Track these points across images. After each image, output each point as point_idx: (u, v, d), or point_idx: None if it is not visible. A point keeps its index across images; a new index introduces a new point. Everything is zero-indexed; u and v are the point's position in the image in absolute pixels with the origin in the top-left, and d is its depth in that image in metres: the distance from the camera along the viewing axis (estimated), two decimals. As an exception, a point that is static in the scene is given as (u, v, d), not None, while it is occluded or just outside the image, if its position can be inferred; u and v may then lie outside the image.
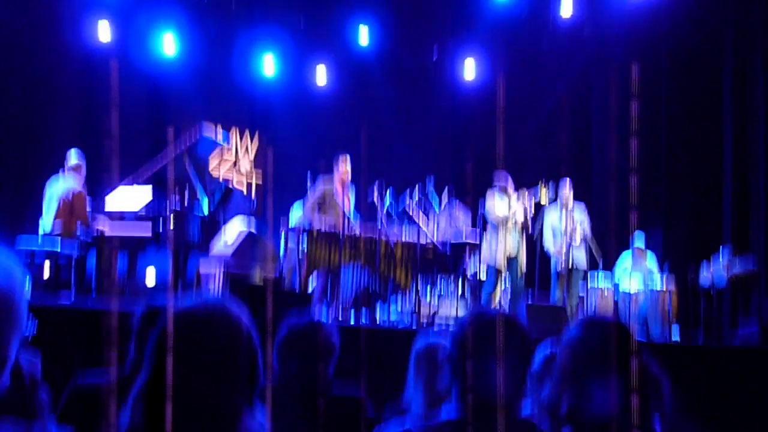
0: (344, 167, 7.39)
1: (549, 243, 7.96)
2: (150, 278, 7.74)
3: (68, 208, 6.47)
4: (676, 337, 8.33)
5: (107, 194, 7.01)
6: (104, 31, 9.46)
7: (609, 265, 8.88)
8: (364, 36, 10.96)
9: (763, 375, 5.27)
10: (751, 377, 5.27)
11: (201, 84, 10.73)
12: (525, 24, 10.71)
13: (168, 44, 10.24)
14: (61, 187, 6.56)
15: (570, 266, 7.82)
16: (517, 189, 7.60)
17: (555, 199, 7.96)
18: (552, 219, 8.02)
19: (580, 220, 7.93)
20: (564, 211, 7.97)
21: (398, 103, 11.86)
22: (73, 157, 6.75)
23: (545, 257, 8.09)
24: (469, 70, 11.31)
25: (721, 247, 8.55)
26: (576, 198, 8.12)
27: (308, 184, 8.71)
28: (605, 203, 9.97)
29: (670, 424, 2.42)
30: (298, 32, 10.99)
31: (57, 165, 6.88)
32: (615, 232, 9.14)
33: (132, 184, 7.02)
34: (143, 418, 1.41)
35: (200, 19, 10.62)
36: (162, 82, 10.38)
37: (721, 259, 8.37)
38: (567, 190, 7.95)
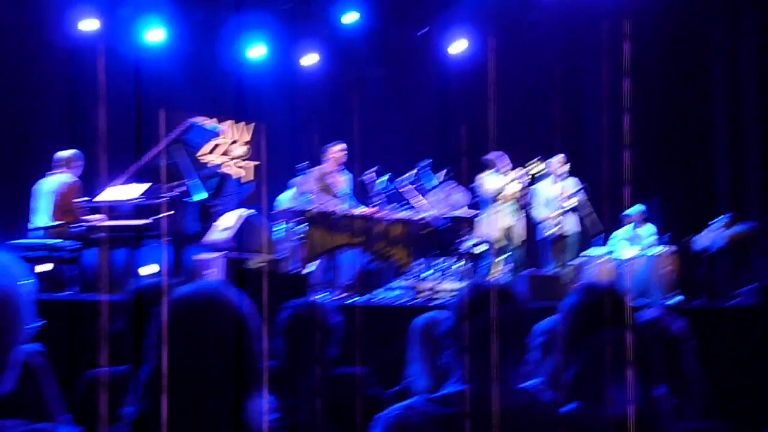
0: (336, 150, 7.41)
1: (537, 211, 7.97)
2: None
3: (63, 200, 6.38)
4: (675, 300, 8.36)
5: (98, 193, 6.94)
6: (88, 20, 9.37)
7: (606, 239, 8.89)
8: (350, 16, 10.83)
9: (762, 333, 5.30)
10: (752, 335, 5.30)
11: (188, 70, 10.64)
12: None
13: (154, 31, 10.14)
14: (54, 182, 6.48)
15: (563, 232, 7.85)
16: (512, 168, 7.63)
17: (548, 173, 7.99)
18: (544, 188, 8.03)
19: (573, 188, 7.95)
20: (556, 180, 7.98)
21: (388, 81, 11.76)
22: (68, 151, 6.66)
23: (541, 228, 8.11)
24: (458, 45, 11.25)
25: (719, 216, 8.58)
26: (570, 173, 8.13)
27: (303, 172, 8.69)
28: (599, 178, 9.95)
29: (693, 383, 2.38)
30: (284, 11, 10.84)
31: (45, 165, 6.69)
32: (610, 206, 9.14)
33: (126, 183, 6.94)
34: (150, 408, 1.41)
35: (185, 3, 10.49)
36: (149, 69, 10.27)
37: (719, 222, 8.39)
38: (560, 162, 7.99)
